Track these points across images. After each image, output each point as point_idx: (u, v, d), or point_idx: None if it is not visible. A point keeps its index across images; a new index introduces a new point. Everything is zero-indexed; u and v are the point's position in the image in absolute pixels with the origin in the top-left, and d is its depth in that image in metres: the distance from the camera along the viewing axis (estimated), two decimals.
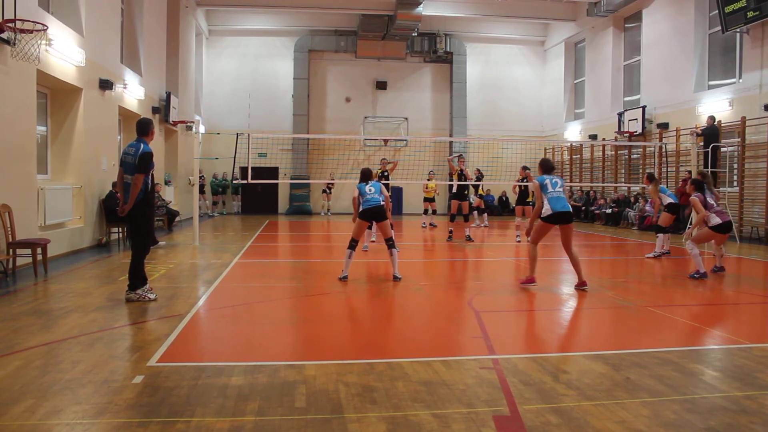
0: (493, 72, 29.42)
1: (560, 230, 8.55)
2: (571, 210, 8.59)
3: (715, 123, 16.79)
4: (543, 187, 8.55)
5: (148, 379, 4.52)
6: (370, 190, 9.40)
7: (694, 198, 9.80)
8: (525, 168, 15.86)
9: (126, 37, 16.87)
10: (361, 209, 9.32)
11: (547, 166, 8.90)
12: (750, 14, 15.74)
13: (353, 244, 9.20)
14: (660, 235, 12.60)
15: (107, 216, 13.69)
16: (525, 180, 15.52)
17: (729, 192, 16.92)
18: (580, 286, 8.48)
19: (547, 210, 8.43)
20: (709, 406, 4.10)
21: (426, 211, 19.65)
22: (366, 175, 9.72)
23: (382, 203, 9.39)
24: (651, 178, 13.00)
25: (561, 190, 8.55)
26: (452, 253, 13.33)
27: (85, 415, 3.87)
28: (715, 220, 9.59)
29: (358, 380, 4.54)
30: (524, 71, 29.74)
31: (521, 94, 29.64)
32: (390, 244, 9.36)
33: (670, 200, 12.74)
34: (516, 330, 6.59)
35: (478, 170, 23.00)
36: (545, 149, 28.78)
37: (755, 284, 9.64)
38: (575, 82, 27.74)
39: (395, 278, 9.15)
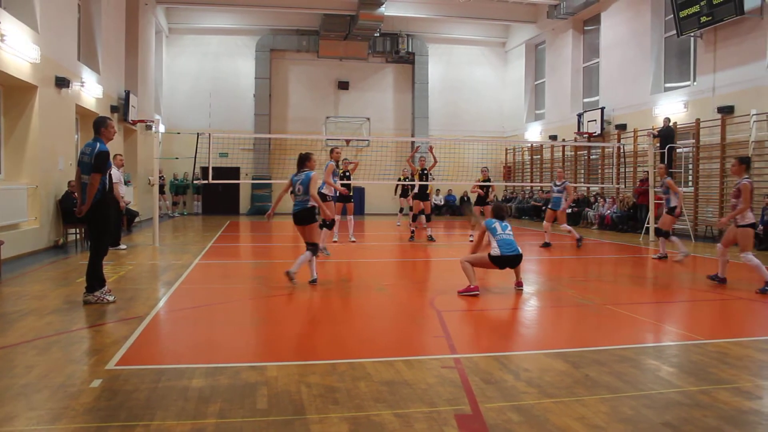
0: (454, 73, 29.62)
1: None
2: (521, 253, 8.29)
3: (670, 125, 17.17)
4: (492, 230, 8.24)
5: (106, 383, 4.44)
6: (299, 189, 8.61)
7: (746, 183, 8.50)
8: (485, 169, 15.97)
9: (83, 34, 16.55)
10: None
11: (498, 214, 8.48)
12: (703, 19, 16.16)
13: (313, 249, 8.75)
14: (674, 239, 12.04)
15: (64, 217, 13.39)
16: (487, 181, 15.66)
17: (684, 192, 17.30)
18: (518, 286, 8.48)
19: (495, 250, 8.10)
20: (665, 402, 4.20)
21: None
22: (301, 161, 8.81)
23: (305, 206, 8.59)
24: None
25: (510, 233, 8.26)
26: (414, 253, 13.38)
27: (40, 421, 3.78)
28: (749, 216, 8.60)
29: (320, 381, 4.52)
30: (485, 72, 30.01)
31: (483, 95, 29.90)
32: (310, 248, 8.70)
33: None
34: (477, 329, 6.65)
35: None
36: (506, 149, 29.09)
37: (709, 282, 9.88)
38: (536, 83, 28.10)
39: (310, 281, 8.71)
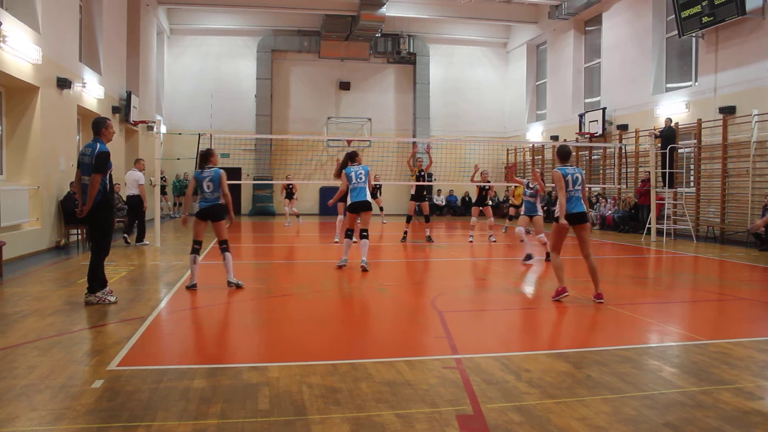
0: (456, 73, 29.62)
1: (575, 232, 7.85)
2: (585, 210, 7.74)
3: (672, 125, 17.16)
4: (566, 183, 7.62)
5: (107, 384, 4.44)
6: (208, 186, 8.43)
7: None
8: (485, 173, 15.89)
9: (85, 35, 16.56)
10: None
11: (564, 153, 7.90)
12: (705, 20, 16.15)
13: None
14: None
15: (66, 217, 13.41)
16: (489, 181, 15.68)
17: (686, 192, 17.31)
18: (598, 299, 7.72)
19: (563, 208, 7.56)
20: (666, 402, 4.19)
21: (511, 217, 18.68)
22: (204, 158, 8.55)
23: (217, 202, 8.45)
24: None
25: (579, 188, 7.70)
26: (414, 254, 13.38)
27: (41, 421, 3.78)
28: None
29: (321, 381, 4.52)
30: (487, 73, 30.01)
31: (484, 95, 29.90)
32: (223, 247, 8.59)
33: None
34: (479, 329, 6.64)
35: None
36: (507, 150, 29.08)
37: (711, 282, 9.88)
38: (537, 83, 28.09)
39: (229, 284, 8.52)
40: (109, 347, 5.44)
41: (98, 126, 7.40)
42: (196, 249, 8.46)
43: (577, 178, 7.66)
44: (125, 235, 14.12)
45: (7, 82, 11.81)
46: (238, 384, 4.47)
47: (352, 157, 10.70)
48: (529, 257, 11.35)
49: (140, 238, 14.06)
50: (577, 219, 7.63)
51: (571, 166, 7.83)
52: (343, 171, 10.54)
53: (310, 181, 25.86)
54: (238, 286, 8.43)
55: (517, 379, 4.61)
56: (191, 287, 8.30)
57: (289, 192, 20.68)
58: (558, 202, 7.64)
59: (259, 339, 6.02)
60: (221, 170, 8.45)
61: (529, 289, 8.70)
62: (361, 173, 10.33)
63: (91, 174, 7.09)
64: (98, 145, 7.21)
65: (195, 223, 8.55)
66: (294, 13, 25.95)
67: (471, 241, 15.23)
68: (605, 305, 7.49)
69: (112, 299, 7.36)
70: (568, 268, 11.24)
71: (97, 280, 7.33)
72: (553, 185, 7.99)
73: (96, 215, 7.21)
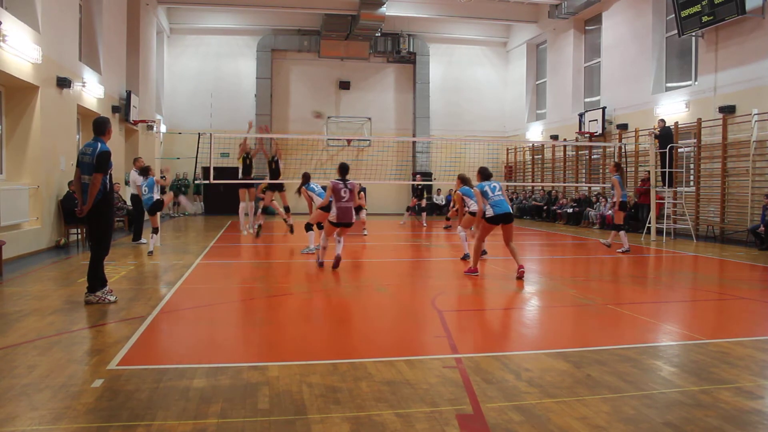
0: (456, 73, 29.62)
1: (502, 229, 9.56)
2: (511, 211, 9.59)
3: (667, 125, 17.13)
4: (484, 194, 9.49)
5: (107, 383, 4.44)
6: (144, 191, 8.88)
7: None
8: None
9: (85, 34, 16.56)
10: None
11: (485, 174, 9.85)
12: (705, 19, 16.15)
13: None
14: (622, 232, 13.09)
15: (66, 217, 13.41)
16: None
17: (686, 192, 17.31)
18: (519, 270, 9.39)
19: (489, 212, 9.41)
20: (666, 401, 4.19)
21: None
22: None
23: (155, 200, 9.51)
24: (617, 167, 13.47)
25: (500, 193, 9.49)
26: (415, 253, 13.38)
27: (42, 421, 3.78)
28: None
29: (321, 381, 4.52)
30: (487, 72, 30.00)
31: (484, 94, 29.90)
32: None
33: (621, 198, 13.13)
34: (479, 329, 6.64)
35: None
36: (507, 149, 29.09)
37: (711, 281, 9.88)
38: (537, 83, 28.09)
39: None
40: (109, 347, 5.44)
41: (102, 126, 7.41)
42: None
43: (494, 186, 9.57)
44: (138, 240, 14.13)
45: (7, 81, 11.80)
46: (238, 383, 4.47)
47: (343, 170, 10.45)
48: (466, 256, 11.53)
49: (137, 236, 14.12)
50: (502, 219, 9.46)
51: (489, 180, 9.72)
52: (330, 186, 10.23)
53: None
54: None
55: (517, 379, 4.61)
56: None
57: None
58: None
59: (259, 338, 6.02)
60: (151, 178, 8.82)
61: (529, 288, 8.70)
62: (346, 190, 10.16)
63: (91, 173, 7.09)
64: (99, 144, 7.22)
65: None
66: (294, 12, 25.94)
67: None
68: (605, 305, 7.50)
69: (112, 299, 7.36)
70: (563, 268, 11.24)
71: (97, 280, 7.33)
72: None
73: (96, 214, 7.22)
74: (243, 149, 16.23)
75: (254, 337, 6.05)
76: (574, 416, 3.89)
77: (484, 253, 11.86)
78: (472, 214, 11.48)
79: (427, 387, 4.42)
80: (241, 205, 16.59)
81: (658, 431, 3.69)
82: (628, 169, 19.16)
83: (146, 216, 13.26)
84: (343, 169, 10.34)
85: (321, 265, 10.61)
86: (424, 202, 21.94)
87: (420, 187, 21.51)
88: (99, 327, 6.23)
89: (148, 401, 4.09)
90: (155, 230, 12.71)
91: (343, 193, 9.99)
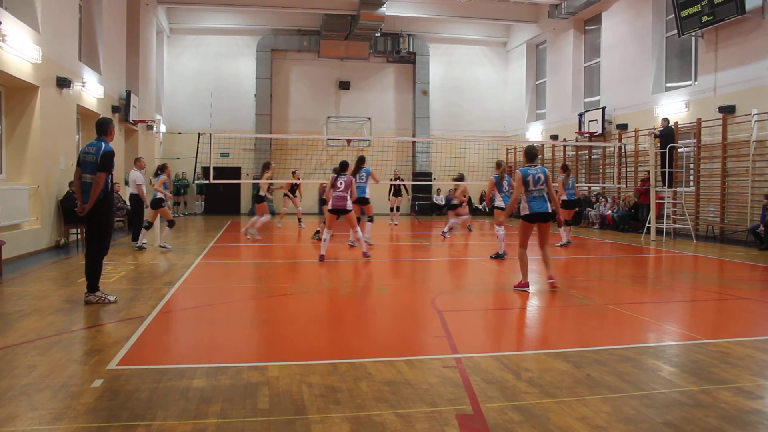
0: (455, 73, 29.62)
1: (537, 229, 8.39)
2: (549, 210, 8.29)
3: (670, 125, 17.15)
4: (525, 183, 8.25)
5: (107, 383, 4.44)
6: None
7: None
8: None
9: (84, 34, 16.56)
10: None
11: (530, 154, 8.56)
12: (705, 19, 16.15)
13: None
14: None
15: (65, 217, 13.41)
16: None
17: (686, 192, 17.31)
18: (549, 281, 8.41)
19: (525, 209, 8.30)
20: (666, 401, 4.19)
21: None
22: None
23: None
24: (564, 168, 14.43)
25: (542, 187, 8.26)
26: (414, 253, 13.39)
27: (41, 421, 3.78)
28: None
29: (321, 381, 4.52)
30: (486, 72, 30.00)
31: (484, 94, 29.90)
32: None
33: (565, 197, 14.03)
34: (479, 329, 6.64)
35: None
36: (507, 149, 29.08)
37: (710, 281, 9.88)
38: (537, 83, 28.09)
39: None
40: (109, 346, 5.44)
41: (105, 126, 7.45)
42: None
43: (538, 177, 8.24)
44: (136, 241, 13.70)
45: (7, 81, 11.80)
46: (237, 383, 4.47)
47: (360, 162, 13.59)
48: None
49: (135, 237, 13.94)
50: (539, 218, 8.28)
51: (535, 166, 8.46)
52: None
53: (309, 180, 25.83)
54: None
55: (516, 379, 4.61)
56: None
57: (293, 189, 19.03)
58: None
59: (259, 338, 6.02)
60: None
61: (529, 288, 8.69)
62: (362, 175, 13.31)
63: (95, 172, 7.12)
64: (103, 144, 7.26)
65: None
66: (294, 12, 25.95)
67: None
68: (605, 305, 7.50)
69: (112, 298, 7.36)
70: (563, 268, 11.25)
71: (96, 279, 7.33)
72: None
73: (96, 214, 7.22)
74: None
75: (254, 337, 6.05)
76: (574, 416, 3.89)
77: (503, 255, 11.79)
78: (500, 208, 12.04)
79: (427, 387, 4.41)
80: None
81: (657, 431, 3.69)
82: (629, 169, 19.15)
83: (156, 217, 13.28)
84: (342, 167, 11.75)
85: (322, 258, 11.20)
86: (401, 201, 22.46)
87: (397, 187, 21.58)
88: (99, 327, 6.23)
89: (148, 401, 4.09)
90: (150, 225, 13.12)
91: (339, 184, 11.42)
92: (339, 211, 11.38)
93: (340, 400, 4.15)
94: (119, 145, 18.63)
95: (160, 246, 13.02)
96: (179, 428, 3.67)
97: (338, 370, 4.78)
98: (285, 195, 18.80)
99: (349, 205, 11.41)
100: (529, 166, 8.38)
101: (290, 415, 3.89)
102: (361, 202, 13.39)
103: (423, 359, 5.20)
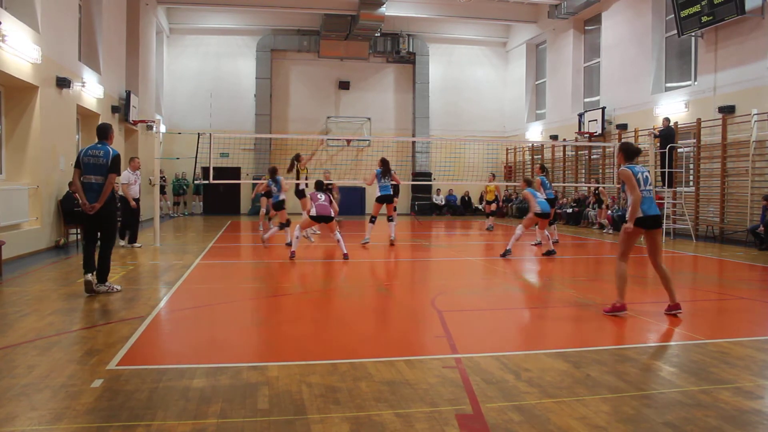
0: (455, 73, 29.61)
1: (646, 238, 7.12)
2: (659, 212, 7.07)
3: (670, 125, 17.16)
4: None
5: (107, 383, 4.44)
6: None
7: None
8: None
9: (84, 34, 16.55)
10: None
11: (629, 151, 7.57)
12: (704, 19, 16.15)
13: None
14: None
15: (65, 217, 13.40)
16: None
17: (685, 192, 17.30)
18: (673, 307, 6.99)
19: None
20: (666, 401, 4.19)
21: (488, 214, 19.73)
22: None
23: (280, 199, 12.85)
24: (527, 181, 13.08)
25: (651, 188, 7.19)
26: (414, 254, 13.39)
27: (41, 421, 3.78)
28: None
29: (321, 381, 4.52)
30: (486, 72, 30.00)
31: (483, 94, 29.89)
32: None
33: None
34: (478, 329, 6.63)
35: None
36: (507, 149, 29.10)
37: (710, 281, 9.89)
38: (536, 83, 28.09)
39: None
40: (109, 347, 5.44)
41: (106, 131, 8.13)
42: None
43: (647, 176, 7.20)
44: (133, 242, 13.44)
45: (7, 81, 11.80)
46: (237, 383, 4.47)
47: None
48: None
49: (133, 239, 13.41)
50: (652, 222, 6.95)
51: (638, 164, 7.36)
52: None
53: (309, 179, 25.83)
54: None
55: (516, 379, 4.61)
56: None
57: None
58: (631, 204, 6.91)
59: (259, 338, 6.02)
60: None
61: (529, 288, 8.70)
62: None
63: (104, 174, 7.81)
64: (110, 148, 7.95)
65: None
66: (293, 12, 25.94)
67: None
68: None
69: (118, 287, 8.05)
70: (563, 268, 11.24)
71: (107, 270, 8.00)
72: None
73: (105, 211, 7.89)
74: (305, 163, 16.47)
75: (254, 337, 6.05)
76: (573, 416, 3.89)
77: (507, 253, 11.83)
78: (538, 215, 12.09)
79: (427, 387, 4.41)
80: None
81: (657, 431, 3.69)
82: None
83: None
84: (318, 185, 12.23)
85: (292, 255, 11.51)
86: (396, 201, 22.29)
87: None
88: (99, 327, 6.23)
89: (147, 401, 4.09)
90: (287, 223, 13.22)
91: (319, 196, 11.80)
92: (321, 219, 11.71)
93: (339, 400, 4.15)
94: (119, 146, 18.61)
95: (305, 237, 13.90)
96: (179, 428, 3.67)
97: (338, 370, 4.78)
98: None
99: (332, 214, 11.76)
100: (633, 164, 7.32)
101: (290, 415, 3.89)
102: (386, 200, 14.37)
103: (423, 359, 5.20)
